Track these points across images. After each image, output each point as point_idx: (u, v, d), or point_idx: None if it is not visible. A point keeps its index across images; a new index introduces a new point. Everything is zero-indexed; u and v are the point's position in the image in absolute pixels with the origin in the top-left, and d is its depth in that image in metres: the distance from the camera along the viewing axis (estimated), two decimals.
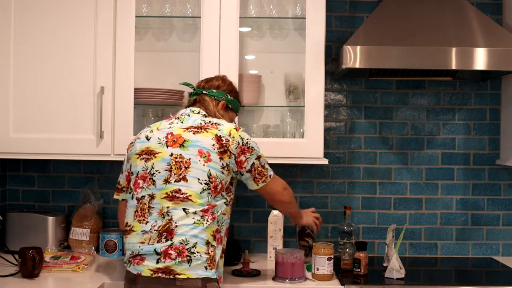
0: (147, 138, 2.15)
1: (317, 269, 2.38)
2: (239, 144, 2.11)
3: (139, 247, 2.03)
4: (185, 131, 2.11)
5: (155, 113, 2.76)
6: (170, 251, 1.98)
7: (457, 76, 2.90)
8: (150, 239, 2.02)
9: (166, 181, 2.05)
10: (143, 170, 2.10)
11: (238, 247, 2.66)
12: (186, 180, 2.04)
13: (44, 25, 2.57)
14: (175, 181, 2.04)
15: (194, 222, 2.01)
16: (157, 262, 1.98)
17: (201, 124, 2.14)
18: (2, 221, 2.75)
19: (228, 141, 2.10)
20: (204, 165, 2.05)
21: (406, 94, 2.97)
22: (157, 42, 2.87)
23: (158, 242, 2.00)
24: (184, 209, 2.02)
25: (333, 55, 2.91)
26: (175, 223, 2.01)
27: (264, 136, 2.75)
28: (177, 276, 1.96)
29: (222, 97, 2.27)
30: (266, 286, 2.33)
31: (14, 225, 2.76)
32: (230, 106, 2.31)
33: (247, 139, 2.15)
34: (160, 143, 2.11)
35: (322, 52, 2.58)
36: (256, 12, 2.70)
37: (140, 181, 2.09)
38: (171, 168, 2.06)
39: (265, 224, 2.77)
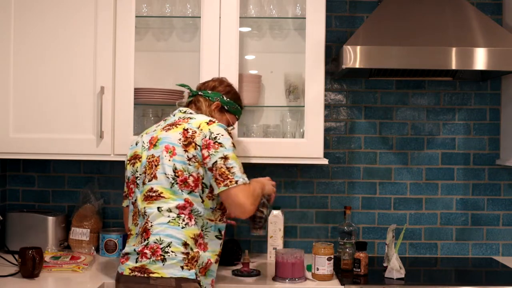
0: (136, 144, 2.19)
1: (317, 269, 2.38)
2: (205, 136, 2.03)
3: (131, 248, 2.06)
4: (161, 130, 2.13)
5: (155, 113, 2.76)
6: (146, 250, 2.00)
7: (457, 76, 2.90)
8: (138, 240, 2.06)
9: (143, 182, 2.08)
10: (132, 174, 2.15)
11: (238, 247, 2.66)
12: (156, 178, 2.05)
13: (44, 25, 2.57)
14: (148, 181, 2.07)
15: (169, 221, 2.00)
16: (136, 262, 2.01)
17: (175, 120, 2.14)
18: (2, 221, 2.75)
19: (195, 133, 2.04)
20: (169, 160, 2.04)
21: (406, 94, 2.97)
22: (157, 42, 2.86)
23: (139, 242, 2.04)
24: (158, 208, 2.03)
25: (333, 55, 2.91)
26: (151, 222, 2.03)
27: (264, 136, 2.75)
28: (151, 274, 1.97)
29: (216, 98, 2.25)
30: (266, 286, 2.33)
31: (14, 225, 2.76)
32: (226, 108, 2.27)
33: (218, 134, 2.04)
34: (143, 147, 2.14)
35: (322, 52, 2.58)
36: (256, 12, 2.70)
37: (132, 186, 2.15)
38: (145, 170, 2.09)
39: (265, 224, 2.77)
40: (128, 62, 2.57)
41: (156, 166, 2.05)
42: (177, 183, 2.02)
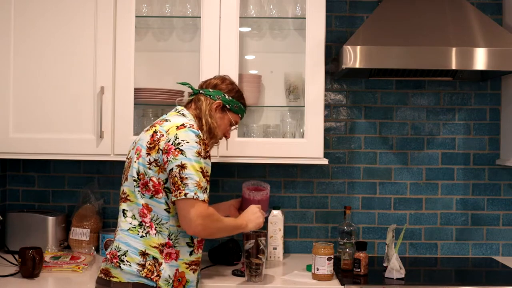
0: (133, 142, 2.16)
1: (317, 269, 2.38)
2: (169, 141, 1.94)
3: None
4: (144, 131, 2.11)
5: (155, 113, 2.76)
6: (108, 255, 2.02)
7: (457, 76, 2.90)
8: None
9: (121, 183, 2.10)
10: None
11: (238, 247, 2.66)
12: (127, 180, 2.05)
13: (44, 25, 2.57)
14: (123, 182, 2.08)
15: (129, 229, 1.99)
16: (105, 264, 2.03)
17: (156, 121, 2.10)
18: (2, 221, 2.75)
19: (162, 135, 1.96)
20: (135, 162, 2.00)
21: (406, 94, 2.97)
22: (157, 42, 2.87)
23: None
24: (123, 211, 2.03)
25: (333, 55, 2.91)
26: (118, 227, 2.05)
27: (264, 136, 2.75)
28: (111, 278, 1.98)
29: (218, 96, 2.16)
30: (266, 286, 2.33)
31: (14, 225, 2.76)
32: (228, 107, 2.19)
33: (183, 140, 1.92)
34: (132, 146, 2.12)
35: (322, 52, 2.58)
36: (256, 12, 2.70)
37: None
38: (124, 170, 2.10)
39: (265, 224, 2.77)
40: (128, 62, 2.57)
41: (128, 167, 2.05)
42: (138, 186, 1.98)
